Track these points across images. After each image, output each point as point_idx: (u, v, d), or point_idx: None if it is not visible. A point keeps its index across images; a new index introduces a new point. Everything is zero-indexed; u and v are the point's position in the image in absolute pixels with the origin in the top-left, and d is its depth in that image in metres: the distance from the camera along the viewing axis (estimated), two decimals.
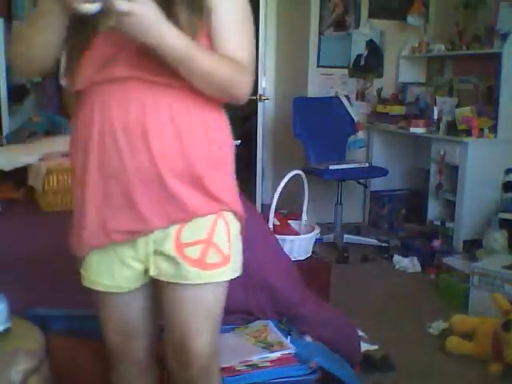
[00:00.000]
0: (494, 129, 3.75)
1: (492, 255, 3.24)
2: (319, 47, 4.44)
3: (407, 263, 3.62)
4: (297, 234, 2.65)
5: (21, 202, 2.25)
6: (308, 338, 2.07)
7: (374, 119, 4.63)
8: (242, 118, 4.94)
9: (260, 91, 4.50)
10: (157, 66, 1.08)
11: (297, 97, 4.22)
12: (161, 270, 1.20)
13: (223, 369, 1.68)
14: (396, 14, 4.59)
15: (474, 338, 2.49)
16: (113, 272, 1.23)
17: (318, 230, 2.68)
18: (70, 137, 1.25)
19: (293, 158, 4.43)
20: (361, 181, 4.32)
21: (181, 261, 1.18)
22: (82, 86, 1.15)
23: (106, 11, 0.98)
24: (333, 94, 4.40)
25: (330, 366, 1.89)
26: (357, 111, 4.48)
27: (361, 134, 4.39)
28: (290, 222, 2.75)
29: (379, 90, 4.66)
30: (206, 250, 1.19)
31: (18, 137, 2.73)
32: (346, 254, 3.76)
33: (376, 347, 2.49)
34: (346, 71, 4.59)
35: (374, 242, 4.03)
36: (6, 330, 1.48)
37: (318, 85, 4.44)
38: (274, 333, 1.95)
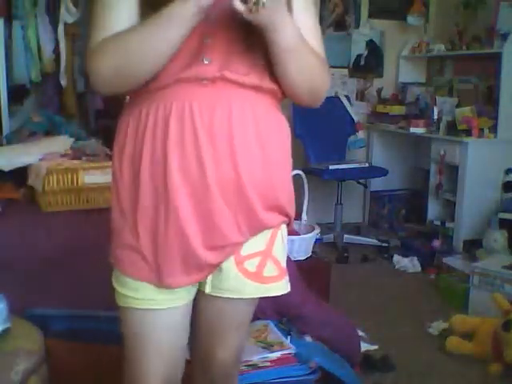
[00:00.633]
0: (494, 129, 3.74)
1: (492, 255, 3.24)
2: None
3: (407, 263, 3.62)
4: (297, 234, 2.65)
5: (21, 201, 2.25)
6: (308, 338, 2.08)
7: (374, 119, 4.63)
8: None
9: None
10: (247, 67, 1.04)
11: None
12: (216, 285, 1.13)
13: None
14: (396, 14, 4.59)
15: (474, 338, 2.49)
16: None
17: (317, 230, 2.68)
18: (120, 139, 1.10)
19: (293, 157, 4.42)
20: (361, 181, 4.32)
21: (240, 275, 1.11)
22: (164, 82, 1.02)
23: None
24: (333, 94, 4.40)
25: (330, 366, 1.89)
26: (357, 111, 4.48)
27: (361, 134, 4.39)
28: None
29: (379, 90, 4.66)
30: (264, 263, 1.13)
31: (18, 137, 2.73)
32: (346, 254, 3.76)
33: (376, 347, 2.49)
34: (346, 71, 4.59)
35: (374, 241, 4.03)
36: (6, 330, 1.48)
37: None
38: (274, 333, 1.95)
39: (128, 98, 1.12)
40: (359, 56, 4.62)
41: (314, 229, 2.68)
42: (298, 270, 2.23)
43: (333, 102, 4.35)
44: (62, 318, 1.80)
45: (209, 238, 1.06)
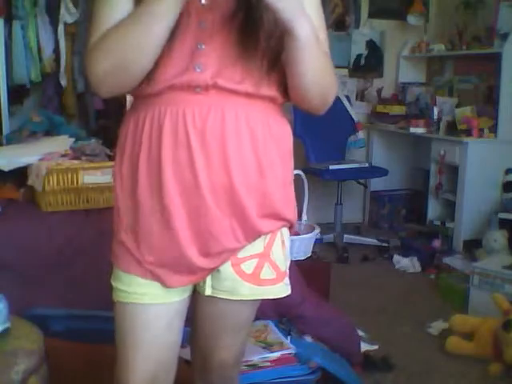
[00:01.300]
0: (494, 129, 3.74)
1: (492, 255, 3.24)
2: None
3: (407, 263, 3.62)
4: (297, 234, 2.65)
5: (21, 201, 2.25)
6: (308, 338, 2.08)
7: (374, 119, 4.63)
8: None
9: None
10: (241, 74, 1.02)
11: None
12: (214, 286, 1.13)
13: None
14: (396, 14, 4.59)
15: (474, 338, 2.49)
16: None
17: (317, 230, 2.68)
18: (120, 143, 1.11)
19: (293, 157, 4.43)
20: (361, 181, 4.32)
21: (236, 276, 1.11)
22: (158, 88, 1.02)
23: None
24: None
25: (330, 366, 1.89)
26: (357, 111, 4.48)
27: (361, 134, 4.39)
28: None
29: (379, 90, 4.66)
30: (261, 265, 1.12)
31: (18, 137, 2.73)
32: (345, 254, 3.76)
33: (376, 347, 2.49)
34: (346, 71, 4.59)
35: (374, 241, 4.03)
36: (6, 330, 1.48)
37: None
38: (274, 333, 1.95)
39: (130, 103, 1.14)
40: (359, 56, 4.62)
41: (314, 229, 2.68)
42: (298, 270, 2.23)
43: (333, 101, 4.34)
44: (61, 318, 1.80)
45: (204, 244, 1.07)
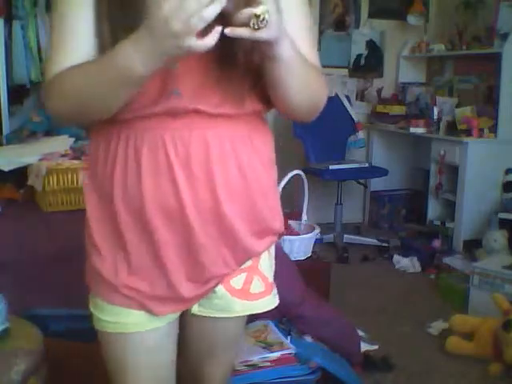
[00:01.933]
0: (494, 129, 3.74)
1: (492, 255, 3.24)
2: (319, 47, 4.44)
3: (407, 263, 3.62)
4: (297, 234, 2.65)
5: (21, 201, 2.25)
6: (308, 338, 2.08)
7: (374, 119, 4.63)
8: None
9: None
10: (220, 96, 0.94)
11: None
12: (203, 305, 1.08)
13: None
14: (396, 14, 4.59)
15: (474, 338, 2.49)
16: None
17: (317, 230, 2.68)
18: (89, 169, 1.03)
19: (293, 158, 4.42)
20: (361, 181, 4.32)
21: (225, 293, 1.07)
22: (133, 115, 0.93)
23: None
24: (333, 94, 4.40)
25: (330, 366, 1.89)
26: (357, 111, 4.48)
27: (361, 134, 4.39)
28: (289, 221, 2.75)
29: (379, 90, 4.66)
30: (251, 279, 1.08)
31: (18, 137, 2.73)
32: (345, 254, 3.76)
33: (376, 347, 2.49)
34: (345, 71, 4.59)
35: (374, 241, 4.03)
36: (6, 330, 1.48)
37: None
38: (274, 333, 1.95)
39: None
40: (359, 56, 4.62)
41: (314, 229, 2.68)
42: (298, 270, 2.23)
43: (333, 101, 4.34)
44: (61, 318, 1.80)
45: (194, 274, 1.02)
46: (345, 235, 4.03)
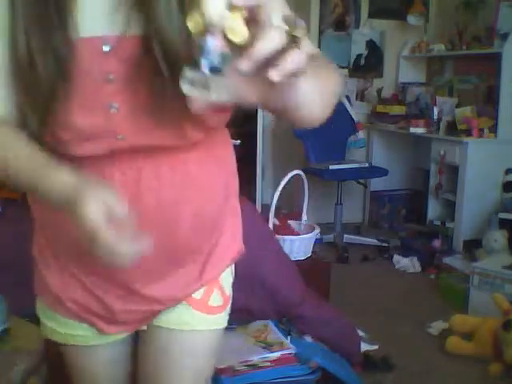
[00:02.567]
0: (494, 129, 3.74)
1: (492, 255, 3.24)
2: (319, 47, 4.44)
3: (407, 263, 3.62)
4: (297, 233, 2.65)
5: (21, 201, 2.25)
6: (308, 338, 2.08)
7: (374, 119, 4.63)
8: (242, 117, 4.94)
9: None
10: (169, 131, 0.86)
11: None
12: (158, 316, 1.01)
13: (223, 369, 1.69)
14: (396, 14, 4.59)
15: (473, 338, 2.49)
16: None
17: (317, 230, 2.68)
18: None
19: (293, 158, 4.43)
20: (361, 181, 4.32)
21: (183, 303, 0.99)
22: (78, 155, 0.86)
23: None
24: None
25: (330, 366, 1.89)
26: (357, 111, 4.48)
27: (361, 134, 4.39)
28: (289, 222, 2.75)
29: (379, 90, 4.66)
30: (210, 291, 1.01)
31: None
32: (345, 254, 3.76)
33: (376, 347, 2.49)
34: (345, 71, 4.59)
35: (374, 241, 4.03)
36: (6, 331, 1.48)
37: None
38: (274, 333, 1.95)
39: None
40: (359, 56, 4.62)
41: (314, 229, 2.68)
42: (298, 269, 2.23)
43: None
44: None
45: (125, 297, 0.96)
46: (345, 235, 4.03)
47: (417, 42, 4.56)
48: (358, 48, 4.61)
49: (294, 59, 0.58)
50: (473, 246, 3.59)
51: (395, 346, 2.55)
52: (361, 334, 2.44)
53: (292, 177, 2.62)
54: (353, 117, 4.37)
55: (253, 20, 0.58)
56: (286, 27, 0.58)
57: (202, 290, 1.00)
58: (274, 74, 0.58)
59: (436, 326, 2.75)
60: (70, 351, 1.04)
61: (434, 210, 4.13)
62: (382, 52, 4.69)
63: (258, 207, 4.39)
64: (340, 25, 4.52)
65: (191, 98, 0.62)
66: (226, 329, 1.08)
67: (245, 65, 0.57)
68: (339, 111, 4.33)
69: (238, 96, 0.64)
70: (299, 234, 2.63)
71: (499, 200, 3.70)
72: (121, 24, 0.80)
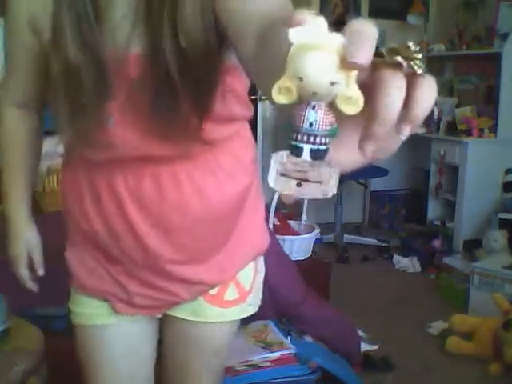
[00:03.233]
0: (493, 129, 3.74)
1: (492, 255, 3.24)
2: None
3: (407, 263, 3.62)
4: (297, 233, 2.65)
5: None
6: (308, 338, 2.08)
7: None
8: None
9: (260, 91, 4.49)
10: (164, 143, 0.88)
11: None
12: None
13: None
14: (396, 14, 4.59)
15: (473, 338, 2.49)
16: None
17: (317, 230, 2.68)
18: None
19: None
20: (361, 181, 4.32)
21: (201, 297, 1.05)
22: (84, 160, 0.96)
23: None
24: None
25: (329, 366, 1.89)
26: None
27: None
28: (289, 221, 2.75)
29: None
30: (226, 287, 1.05)
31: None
32: (345, 254, 3.76)
33: (376, 347, 2.49)
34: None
35: (374, 241, 4.03)
36: (6, 331, 1.48)
37: None
38: (274, 333, 1.95)
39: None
40: None
41: (313, 229, 2.68)
42: (298, 269, 2.23)
43: None
44: (61, 318, 1.80)
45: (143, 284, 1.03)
46: (345, 235, 4.03)
47: (417, 42, 4.55)
48: None
49: (427, 98, 0.41)
50: (473, 246, 3.59)
51: (395, 345, 2.55)
52: (361, 334, 2.44)
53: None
54: None
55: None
56: (403, 60, 0.44)
57: (218, 286, 1.05)
58: (407, 129, 0.41)
59: (436, 326, 2.75)
60: (88, 333, 1.09)
61: (433, 210, 4.13)
62: (382, 52, 4.68)
63: None
64: (340, 25, 4.51)
65: (282, 194, 0.46)
66: None
67: (371, 145, 0.41)
68: None
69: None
70: (299, 234, 2.63)
71: (499, 200, 3.70)
72: (123, 41, 0.82)
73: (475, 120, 3.74)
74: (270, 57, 0.51)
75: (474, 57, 4.11)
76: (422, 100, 0.40)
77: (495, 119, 3.75)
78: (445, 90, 4.48)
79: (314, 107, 0.41)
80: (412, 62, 0.43)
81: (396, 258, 3.70)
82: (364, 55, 0.40)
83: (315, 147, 0.42)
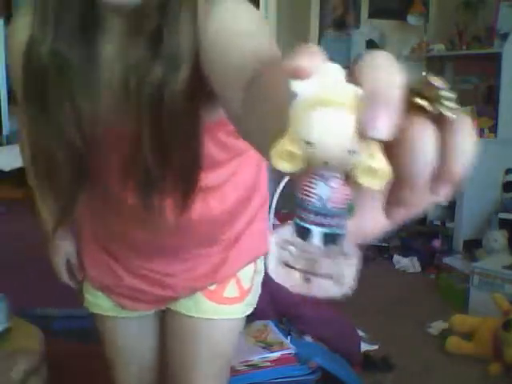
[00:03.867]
0: (493, 129, 3.74)
1: (492, 255, 3.24)
2: (319, 47, 4.44)
3: (407, 263, 3.62)
4: None
5: (21, 201, 2.25)
6: (308, 338, 2.08)
7: None
8: None
9: None
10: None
11: None
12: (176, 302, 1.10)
13: None
14: (396, 14, 4.59)
15: (473, 338, 2.49)
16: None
17: None
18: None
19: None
20: None
21: (200, 293, 1.07)
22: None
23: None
24: None
25: (329, 366, 1.89)
26: None
27: None
28: (289, 222, 2.75)
29: None
30: (226, 283, 1.07)
31: (18, 137, 2.73)
32: None
33: (376, 347, 2.49)
34: (346, 71, 4.59)
35: (374, 241, 4.02)
36: (6, 330, 1.48)
37: None
38: (274, 333, 1.95)
39: None
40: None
41: None
42: None
43: None
44: (61, 318, 1.80)
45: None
46: None
47: (417, 42, 4.56)
48: (358, 48, 4.61)
49: (464, 146, 0.34)
50: (473, 246, 3.58)
51: (395, 345, 2.54)
52: (361, 334, 2.44)
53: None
54: None
55: None
56: (427, 104, 0.33)
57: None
58: (445, 189, 0.36)
59: (436, 326, 2.75)
60: (103, 320, 1.16)
61: (434, 209, 4.12)
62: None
63: None
64: (340, 25, 4.52)
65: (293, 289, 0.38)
66: None
67: (400, 210, 0.35)
68: None
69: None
70: None
71: (499, 200, 3.70)
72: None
73: (475, 120, 3.74)
74: (263, 113, 0.44)
75: (474, 57, 4.11)
76: (457, 150, 0.33)
77: (495, 119, 3.75)
78: None
79: (326, 179, 0.32)
80: (438, 104, 0.32)
81: (396, 257, 3.70)
82: (382, 124, 0.29)
83: (328, 231, 0.33)
